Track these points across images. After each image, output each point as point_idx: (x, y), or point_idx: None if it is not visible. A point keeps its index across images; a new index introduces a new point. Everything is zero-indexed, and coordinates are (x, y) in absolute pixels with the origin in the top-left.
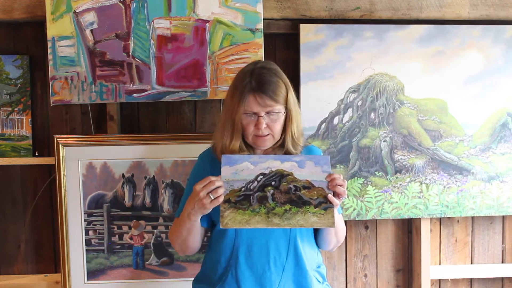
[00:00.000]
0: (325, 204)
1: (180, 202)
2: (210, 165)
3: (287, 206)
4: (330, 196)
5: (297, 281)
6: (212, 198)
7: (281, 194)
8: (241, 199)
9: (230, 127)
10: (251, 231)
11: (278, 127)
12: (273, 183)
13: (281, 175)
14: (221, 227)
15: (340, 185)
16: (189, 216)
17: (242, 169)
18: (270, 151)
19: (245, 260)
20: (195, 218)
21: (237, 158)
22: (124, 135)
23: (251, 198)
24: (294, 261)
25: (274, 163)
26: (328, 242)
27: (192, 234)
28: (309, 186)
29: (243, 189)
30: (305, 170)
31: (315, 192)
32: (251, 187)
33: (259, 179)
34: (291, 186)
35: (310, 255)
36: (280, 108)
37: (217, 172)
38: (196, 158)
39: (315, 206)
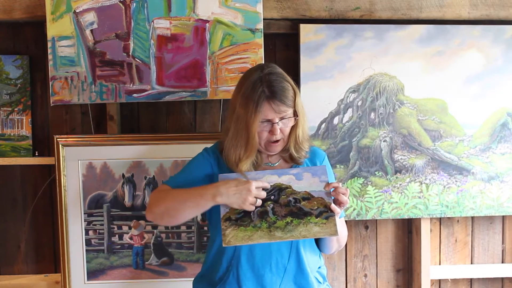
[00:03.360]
0: (326, 213)
1: (176, 175)
2: (215, 161)
3: (288, 219)
4: (332, 205)
5: (298, 283)
6: (255, 204)
7: (281, 207)
8: (241, 216)
9: (245, 138)
10: None
11: (288, 131)
12: (272, 197)
13: (279, 189)
14: (223, 245)
15: (343, 194)
16: (214, 197)
17: None
18: (278, 155)
19: (247, 261)
20: (220, 201)
21: (234, 177)
22: (124, 135)
23: (252, 214)
24: (296, 263)
25: (271, 178)
26: (329, 248)
27: (196, 211)
28: (308, 197)
29: None
30: (303, 182)
31: (315, 203)
32: None
33: None
34: (291, 198)
35: (312, 257)
36: (291, 112)
37: (221, 170)
38: None
39: (316, 216)
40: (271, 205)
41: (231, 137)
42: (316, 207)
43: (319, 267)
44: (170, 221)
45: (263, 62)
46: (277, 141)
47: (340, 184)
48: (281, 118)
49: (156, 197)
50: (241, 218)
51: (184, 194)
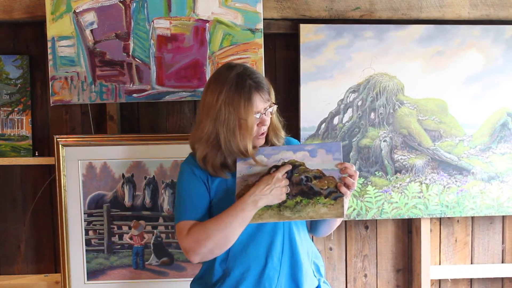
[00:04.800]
0: (335, 194)
1: (177, 207)
2: (201, 172)
3: (298, 198)
4: (340, 185)
5: (294, 275)
6: (288, 190)
7: (293, 186)
8: None
9: (239, 132)
10: (245, 230)
11: (269, 121)
12: (285, 174)
13: (293, 166)
14: None
15: (351, 176)
16: (255, 204)
17: (256, 163)
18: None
19: (242, 261)
20: (261, 204)
21: (250, 158)
22: (124, 135)
23: None
24: (290, 253)
25: (286, 154)
26: (331, 227)
27: (243, 228)
28: (320, 175)
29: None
30: (317, 159)
31: (325, 182)
32: None
33: (272, 171)
34: (303, 177)
35: (306, 242)
36: (270, 101)
37: (210, 180)
38: None
39: (325, 196)
40: None
41: (227, 137)
42: (326, 187)
43: (317, 258)
44: (221, 251)
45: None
46: (263, 133)
47: (353, 167)
48: (265, 108)
49: (194, 239)
50: None
51: (225, 219)
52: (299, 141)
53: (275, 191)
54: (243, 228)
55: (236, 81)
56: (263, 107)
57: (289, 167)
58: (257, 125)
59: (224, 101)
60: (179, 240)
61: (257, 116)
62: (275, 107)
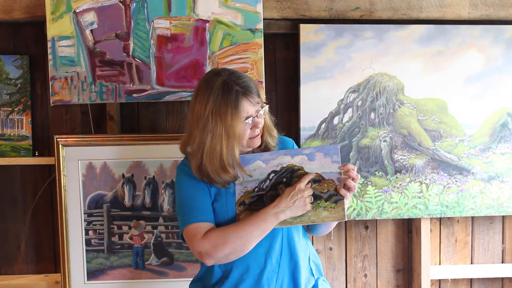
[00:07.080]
0: (336, 197)
1: (182, 210)
2: (195, 178)
3: None
4: (341, 189)
5: (291, 275)
6: (312, 200)
7: None
8: (255, 200)
9: (227, 141)
10: None
11: (263, 122)
12: (284, 179)
13: (292, 170)
14: None
15: (353, 179)
16: (277, 216)
17: (254, 169)
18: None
19: (242, 262)
20: (284, 217)
21: (249, 158)
22: (124, 135)
23: (264, 198)
24: (288, 255)
25: (285, 159)
26: (329, 226)
27: (262, 237)
28: (319, 179)
29: (256, 189)
30: (315, 162)
31: (325, 185)
32: (264, 187)
33: (271, 177)
34: None
35: (303, 243)
36: (260, 102)
37: (203, 187)
38: None
39: (326, 200)
40: (283, 189)
41: (209, 149)
42: (326, 190)
43: (315, 258)
44: (236, 257)
45: (221, 68)
46: (257, 134)
47: (355, 168)
48: (256, 111)
49: (211, 243)
50: (254, 202)
51: (246, 228)
52: (299, 141)
53: (298, 202)
54: (262, 238)
55: (222, 90)
56: (255, 110)
57: (312, 176)
58: (251, 128)
59: (211, 111)
60: (191, 243)
61: (249, 121)
62: (266, 107)
